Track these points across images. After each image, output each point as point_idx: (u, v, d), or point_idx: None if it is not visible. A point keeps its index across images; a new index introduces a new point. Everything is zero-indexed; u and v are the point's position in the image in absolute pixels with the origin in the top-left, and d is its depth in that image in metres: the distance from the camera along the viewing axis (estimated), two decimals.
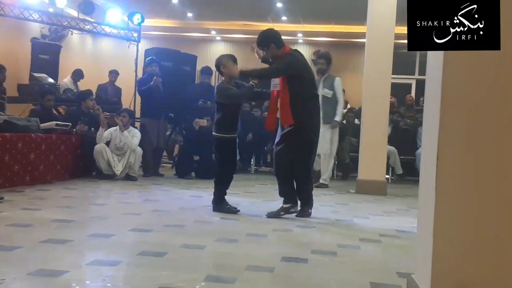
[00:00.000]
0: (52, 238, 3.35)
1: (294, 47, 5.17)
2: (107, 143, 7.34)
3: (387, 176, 8.59)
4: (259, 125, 9.10)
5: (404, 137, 9.66)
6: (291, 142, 4.64)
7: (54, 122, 6.96)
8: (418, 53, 12.44)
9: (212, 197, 4.93)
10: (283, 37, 4.82)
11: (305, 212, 4.74)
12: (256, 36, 4.85)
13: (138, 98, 9.51)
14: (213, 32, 13.35)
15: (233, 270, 2.85)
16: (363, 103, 7.38)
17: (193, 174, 8.18)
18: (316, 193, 6.91)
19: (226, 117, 4.83)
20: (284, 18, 12.07)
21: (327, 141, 7.54)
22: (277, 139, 4.81)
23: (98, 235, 3.54)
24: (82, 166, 7.37)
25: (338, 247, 3.53)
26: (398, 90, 11.42)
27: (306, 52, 13.03)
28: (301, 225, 4.38)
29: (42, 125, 6.63)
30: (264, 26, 12.00)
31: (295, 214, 4.72)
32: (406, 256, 3.35)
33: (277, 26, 12.35)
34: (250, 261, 3.02)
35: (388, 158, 8.48)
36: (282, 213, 4.67)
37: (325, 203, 5.94)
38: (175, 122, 9.18)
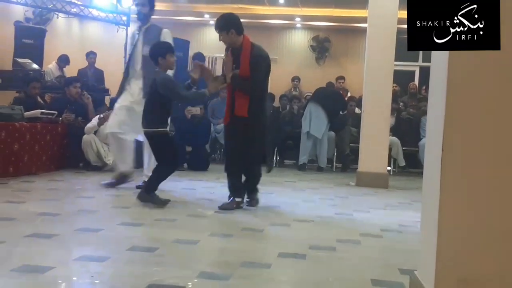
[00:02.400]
0: (37, 232, 3.34)
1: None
2: (95, 132, 7.30)
3: (389, 168, 8.60)
4: None
5: (407, 127, 9.67)
6: (248, 134, 4.69)
7: (39, 111, 6.92)
8: None
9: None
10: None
11: (254, 200, 4.88)
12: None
13: None
14: (206, 16, 13.25)
15: (227, 266, 2.85)
16: (364, 91, 7.37)
17: (185, 165, 8.17)
18: (315, 185, 6.98)
19: (159, 110, 4.66)
20: (281, 1, 11.99)
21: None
22: (228, 132, 4.88)
23: (86, 230, 3.53)
24: (69, 156, 7.34)
25: (338, 243, 3.53)
26: (401, 78, 11.41)
27: (305, 38, 12.96)
28: (299, 219, 4.39)
29: (26, 113, 6.59)
30: (260, 9, 11.96)
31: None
32: (408, 252, 3.35)
33: (274, 10, 12.37)
34: (245, 257, 3.02)
35: (390, 149, 8.49)
36: (235, 206, 4.70)
37: (324, 196, 5.95)
38: None
